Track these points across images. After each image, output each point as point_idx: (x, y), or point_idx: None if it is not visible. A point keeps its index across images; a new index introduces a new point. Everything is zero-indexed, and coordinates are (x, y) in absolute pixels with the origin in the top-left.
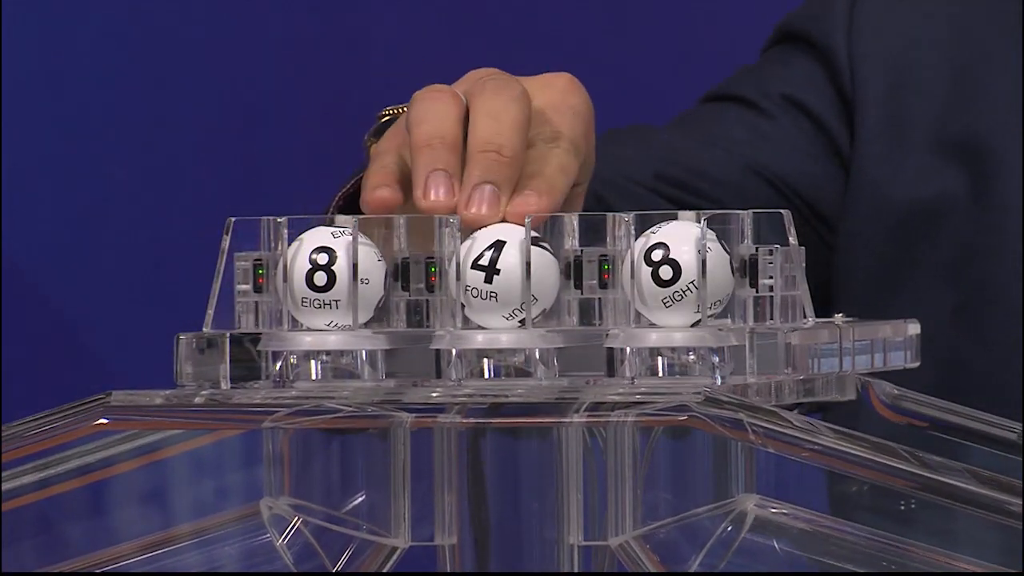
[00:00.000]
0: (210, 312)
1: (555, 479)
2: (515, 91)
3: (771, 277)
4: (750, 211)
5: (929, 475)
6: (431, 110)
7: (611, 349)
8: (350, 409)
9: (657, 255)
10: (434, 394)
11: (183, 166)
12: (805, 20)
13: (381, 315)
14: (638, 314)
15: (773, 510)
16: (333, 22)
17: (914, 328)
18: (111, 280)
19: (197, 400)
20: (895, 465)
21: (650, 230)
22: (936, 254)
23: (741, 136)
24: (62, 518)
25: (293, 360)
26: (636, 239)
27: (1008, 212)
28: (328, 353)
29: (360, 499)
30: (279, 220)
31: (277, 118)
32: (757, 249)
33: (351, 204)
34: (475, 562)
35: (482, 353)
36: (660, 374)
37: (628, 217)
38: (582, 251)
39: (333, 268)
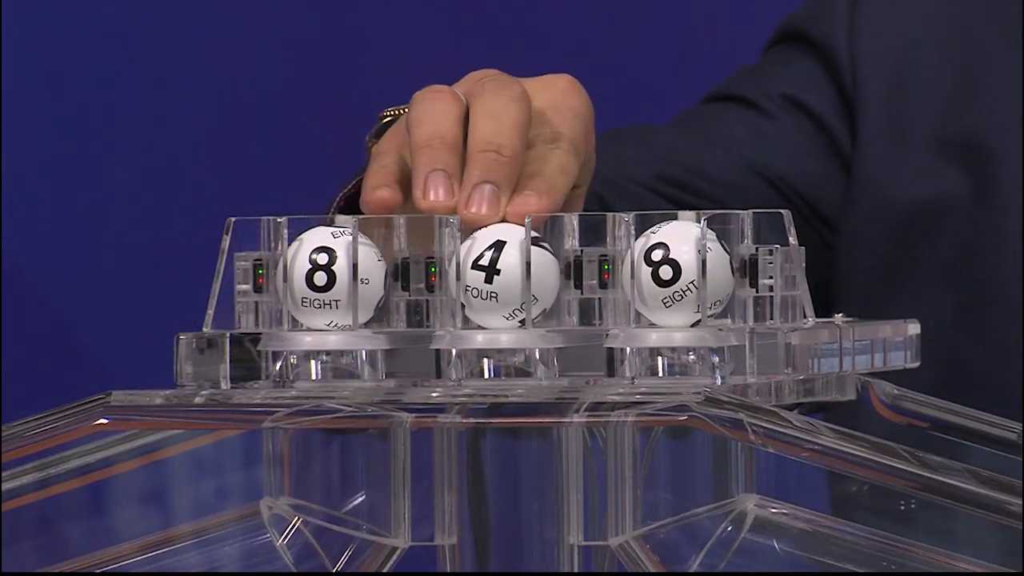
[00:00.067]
0: (210, 312)
1: (555, 479)
2: (515, 91)
3: (771, 277)
4: (750, 211)
5: (929, 475)
6: (431, 110)
7: (611, 349)
8: (350, 409)
9: (657, 255)
10: (434, 394)
11: (183, 166)
12: (806, 20)
13: (381, 315)
14: (638, 314)
15: (773, 510)
16: (333, 22)
17: (914, 328)
18: (111, 280)
19: (197, 400)
20: (895, 465)
21: (650, 230)
22: (937, 254)
23: (742, 136)
24: (62, 518)
25: (293, 360)
26: (636, 239)
27: (1008, 212)
28: (328, 353)
29: (360, 499)
30: (279, 220)
31: (277, 118)
32: (757, 249)
33: (352, 205)
34: (475, 562)
35: (482, 353)
36: (660, 374)
37: (628, 217)
38: (582, 251)
39: (333, 268)
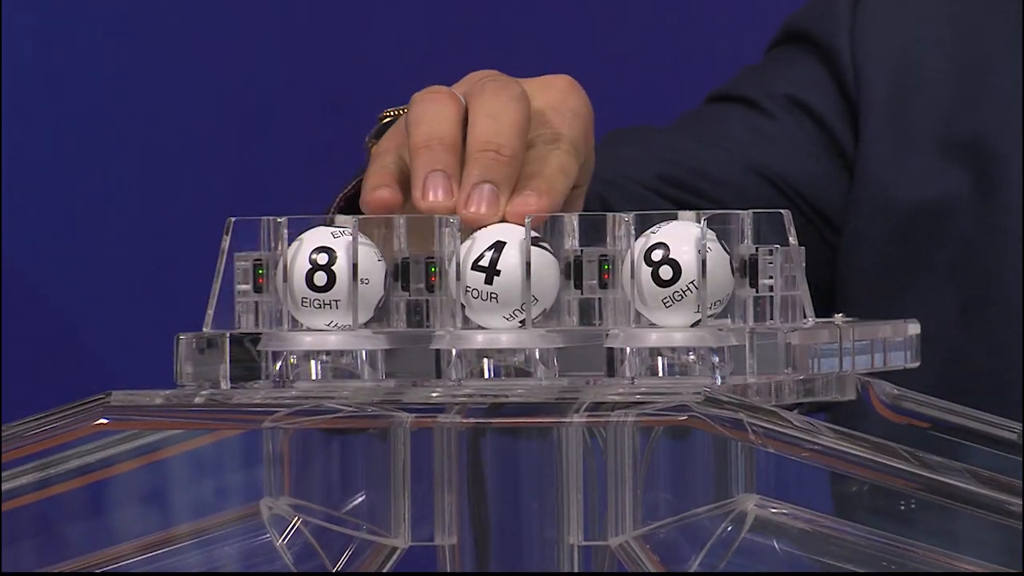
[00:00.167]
0: (210, 312)
1: (555, 479)
2: (514, 92)
3: (771, 277)
4: (750, 211)
5: (929, 475)
6: (430, 111)
7: (611, 349)
8: (350, 409)
9: (657, 255)
10: (434, 394)
11: (183, 166)
12: (808, 20)
13: (381, 315)
14: (638, 314)
15: (773, 510)
16: (333, 22)
17: (914, 328)
18: (111, 280)
19: (197, 400)
20: (895, 465)
21: (650, 230)
22: (940, 254)
23: (744, 137)
24: (62, 518)
25: (293, 360)
26: (636, 239)
27: (1011, 212)
28: (328, 353)
29: (360, 499)
30: (279, 220)
31: (277, 118)
32: (757, 249)
33: (352, 205)
34: (475, 562)
35: (482, 353)
36: (660, 374)
37: (628, 217)
38: (582, 251)
39: (333, 268)
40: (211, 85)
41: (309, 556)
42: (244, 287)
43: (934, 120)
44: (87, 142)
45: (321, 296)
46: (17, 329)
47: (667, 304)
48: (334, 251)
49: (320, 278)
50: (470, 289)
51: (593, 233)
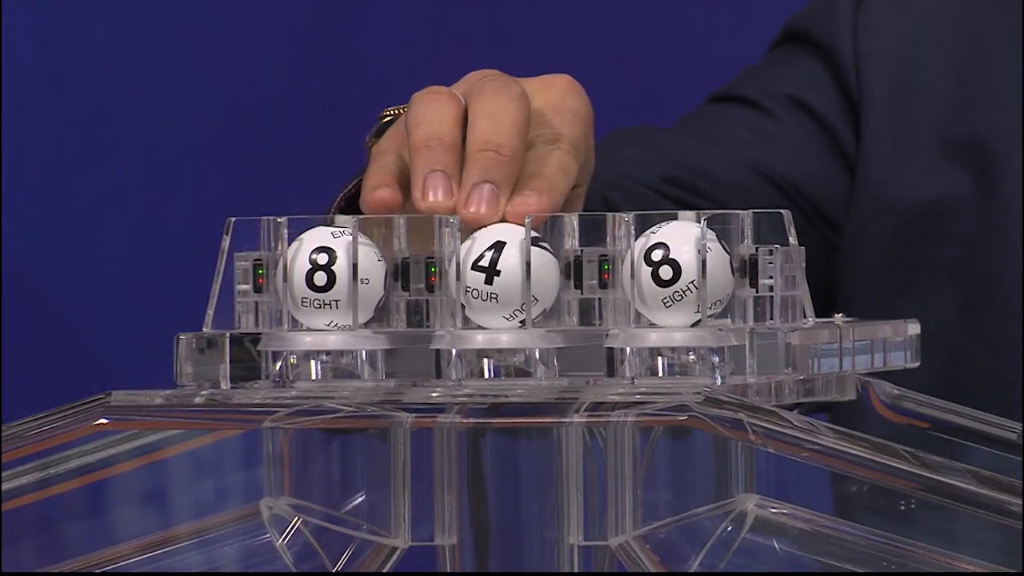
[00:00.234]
0: (210, 312)
1: (555, 479)
2: (514, 91)
3: (771, 277)
4: (750, 211)
5: (929, 475)
6: (429, 111)
7: (611, 349)
8: (350, 409)
9: (657, 255)
10: (434, 394)
11: (183, 166)
12: (809, 20)
13: (381, 315)
14: (638, 314)
15: (773, 510)
16: (333, 22)
17: (914, 328)
18: (111, 280)
19: (197, 400)
20: (895, 465)
21: (650, 230)
22: (941, 254)
23: (745, 137)
24: (62, 518)
25: (293, 360)
26: (636, 239)
27: (1012, 211)
28: (328, 353)
29: (360, 499)
30: (279, 220)
31: (277, 118)
32: (757, 249)
33: (352, 205)
34: (475, 562)
35: (482, 353)
36: (660, 374)
37: (628, 217)
38: (582, 251)
39: (333, 268)
40: (211, 85)
41: (309, 556)
42: (244, 287)
43: (935, 120)
44: (87, 142)
45: (321, 296)
46: (17, 329)
47: (667, 304)
48: (334, 251)
49: (320, 278)
50: (470, 289)
51: (593, 233)
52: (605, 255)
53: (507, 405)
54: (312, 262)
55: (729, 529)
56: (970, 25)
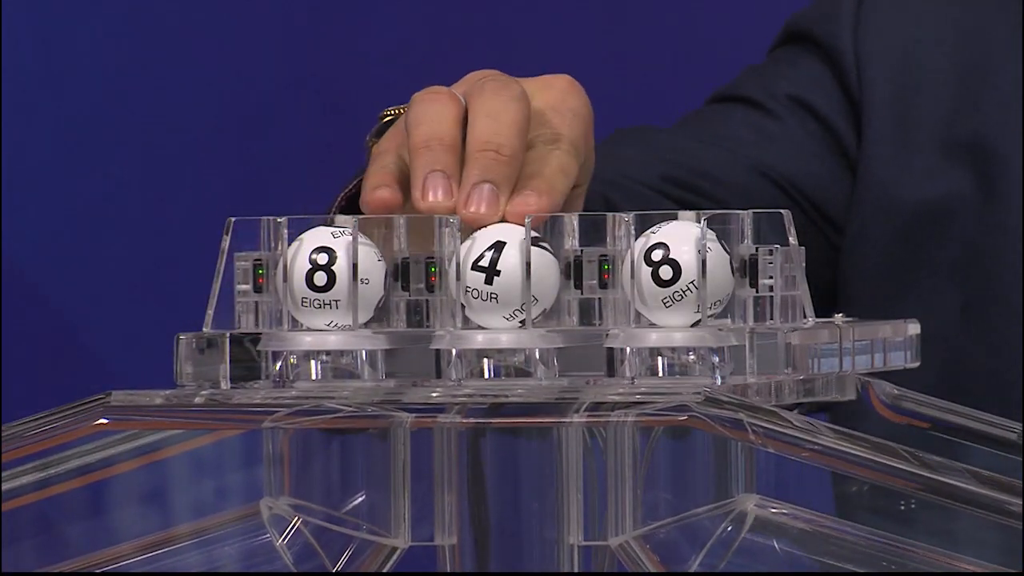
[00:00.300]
0: (210, 312)
1: (555, 479)
2: (514, 91)
3: (771, 277)
4: (750, 211)
5: (929, 475)
6: (429, 111)
7: (611, 349)
8: (350, 409)
9: (657, 255)
10: (434, 394)
11: (183, 166)
12: (811, 20)
13: (381, 315)
14: (638, 314)
15: (773, 510)
16: (333, 22)
17: (914, 328)
18: (111, 280)
19: (197, 400)
20: (895, 465)
21: (650, 230)
22: (942, 254)
23: (747, 137)
24: (62, 518)
25: (293, 360)
26: (636, 239)
27: (1013, 212)
28: (328, 353)
29: (360, 499)
30: (279, 220)
31: (277, 118)
32: (757, 249)
33: (352, 205)
34: (475, 562)
35: (482, 353)
36: (660, 374)
37: (628, 217)
38: (582, 251)
39: (333, 268)
40: (211, 85)
41: (309, 556)
42: (244, 287)
43: (936, 120)
44: (87, 142)
45: (321, 296)
46: (17, 329)
47: (667, 304)
48: (334, 251)
49: (320, 278)
50: (470, 289)
51: (593, 233)
52: (605, 255)
53: (507, 405)
54: (312, 262)
55: (729, 529)
56: (971, 25)
